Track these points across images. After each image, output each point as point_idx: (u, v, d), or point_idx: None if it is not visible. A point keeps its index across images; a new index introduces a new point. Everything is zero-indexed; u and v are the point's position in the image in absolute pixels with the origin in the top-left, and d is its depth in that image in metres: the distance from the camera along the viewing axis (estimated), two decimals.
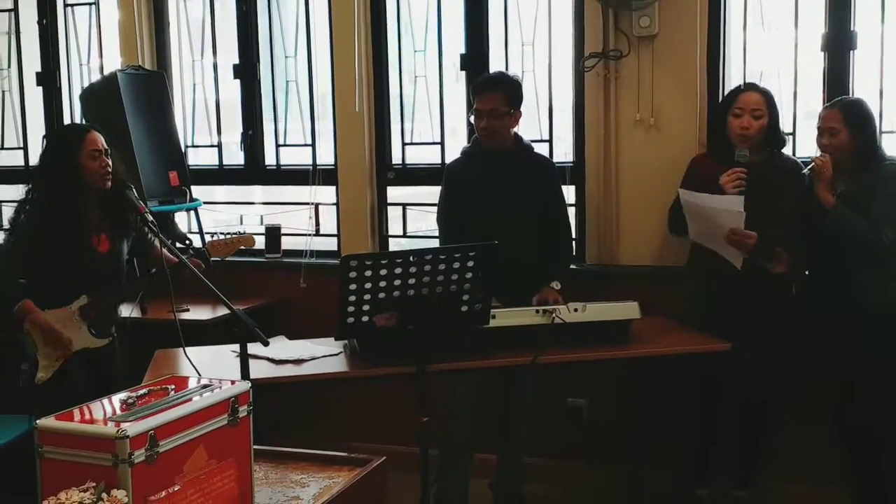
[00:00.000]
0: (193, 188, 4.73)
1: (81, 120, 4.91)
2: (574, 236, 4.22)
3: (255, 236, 3.95)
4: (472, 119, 3.83)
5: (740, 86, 3.85)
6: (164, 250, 3.45)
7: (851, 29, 3.97)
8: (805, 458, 3.97)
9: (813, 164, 3.56)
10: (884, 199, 3.48)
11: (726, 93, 3.91)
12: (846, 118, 3.52)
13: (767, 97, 3.71)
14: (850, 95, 3.87)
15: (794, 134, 4.11)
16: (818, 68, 4.05)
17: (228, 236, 3.79)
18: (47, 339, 3.52)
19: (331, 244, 4.86)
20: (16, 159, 5.52)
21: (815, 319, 3.70)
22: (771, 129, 3.70)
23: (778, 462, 3.96)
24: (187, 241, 4.29)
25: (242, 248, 3.83)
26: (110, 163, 3.55)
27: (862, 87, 3.95)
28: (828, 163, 3.51)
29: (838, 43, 3.98)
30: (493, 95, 3.75)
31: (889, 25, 3.95)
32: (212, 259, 3.69)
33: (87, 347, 3.60)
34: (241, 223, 5.11)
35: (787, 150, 3.97)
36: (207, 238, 4.06)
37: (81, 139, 3.52)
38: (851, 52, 3.98)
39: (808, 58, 4.07)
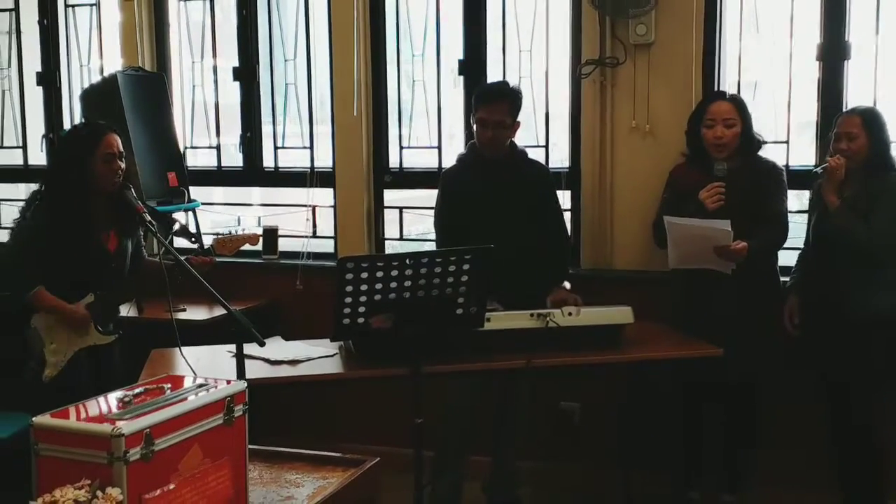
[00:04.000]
0: (192, 189, 4.75)
1: (81, 120, 4.92)
2: (570, 241, 4.24)
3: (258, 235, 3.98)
4: (474, 126, 3.84)
5: (710, 96, 3.89)
6: (162, 251, 3.47)
7: (846, 39, 4.00)
8: (796, 463, 3.99)
9: (826, 164, 3.58)
10: (886, 209, 3.51)
11: (696, 104, 3.95)
12: (866, 124, 3.55)
13: (738, 104, 3.76)
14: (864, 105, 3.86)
15: (787, 143, 4.14)
16: (813, 78, 4.07)
17: (233, 233, 3.80)
18: (62, 323, 3.51)
19: (327, 246, 4.87)
20: (15, 158, 5.54)
21: (806, 322, 3.74)
22: (745, 135, 3.74)
23: (769, 467, 3.99)
24: (193, 239, 4.31)
25: (247, 246, 3.84)
26: (123, 165, 3.55)
27: (856, 97, 3.98)
28: (842, 165, 3.53)
29: (833, 53, 4.01)
30: (501, 106, 3.77)
31: (884, 36, 3.98)
32: (217, 257, 3.70)
33: (94, 344, 3.60)
34: (239, 224, 5.13)
35: (780, 160, 4.01)
36: (209, 238, 4.07)
37: (98, 141, 3.50)
38: (846, 62, 4.01)
39: (803, 67, 4.10)
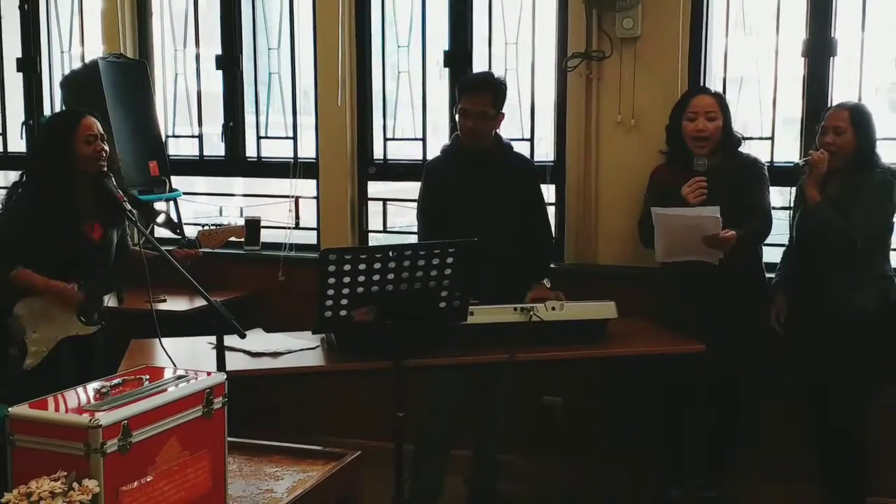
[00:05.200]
0: (173, 178, 4.71)
1: (61, 107, 4.88)
2: (553, 235, 4.24)
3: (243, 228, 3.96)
4: (456, 117, 3.83)
5: (691, 90, 3.89)
6: (143, 240, 3.44)
7: (832, 35, 4.01)
8: (777, 457, 4.01)
9: (809, 156, 3.59)
10: (866, 205, 3.51)
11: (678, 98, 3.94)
12: (853, 119, 3.55)
13: (720, 99, 3.78)
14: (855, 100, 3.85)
15: (772, 139, 4.15)
16: (798, 74, 4.08)
17: (219, 227, 3.78)
18: (45, 311, 3.47)
19: (310, 238, 4.85)
20: None
21: (791, 319, 3.75)
22: (725, 131, 3.75)
23: (751, 462, 4.00)
24: (178, 231, 4.27)
25: (232, 239, 3.83)
26: (106, 148, 3.52)
27: (841, 93, 3.99)
28: (825, 159, 3.54)
29: (819, 49, 4.02)
30: (483, 97, 3.75)
31: (869, 32, 3.99)
32: (202, 249, 3.68)
33: (76, 335, 3.57)
34: (221, 214, 5.10)
35: (764, 156, 4.02)
36: (196, 228, 4.04)
37: (76, 124, 3.48)
38: (831, 58, 4.01)
39: (789, 63, 4.10)
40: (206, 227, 3.79)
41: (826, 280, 3.59)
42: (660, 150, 3.96)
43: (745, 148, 3.88)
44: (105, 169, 3.50)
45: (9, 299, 3.51)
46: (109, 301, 3.99)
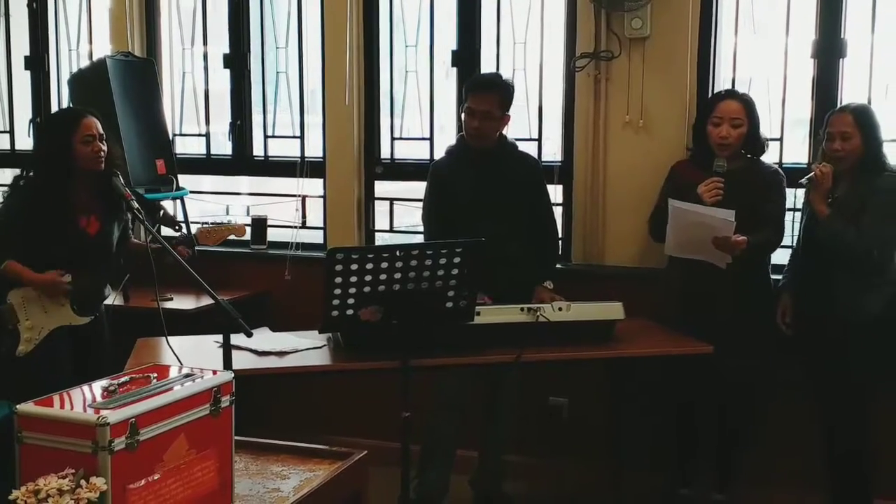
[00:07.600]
0: (180, 177, 4.71)
1: (69, 105, 4.89)
2: (560, 235, 4.23)
3: (245, 226, 3.96)
4: (462, 116, 3.82)
5: (720, 93, 3.87)
6: (149, 238, 3.47)
7: (841, 37, 3.99)
8: (788, 463, 3.99)
9: (812, 173, 3.56)
10: (875, 212, 3.48)
11: (707, 99, 3.92)
12: (858, 122, 3.51)
13: (747, 105, 3.73)
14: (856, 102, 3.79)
15: (781, 140, 4.13)
16: (807, 75, 4.06)
17: (217, 224, 3.78)
18: (38, 300, 3.52)
19: (317, 237, 4.85)
20: (2, 143, 5.49)
21: (797, 323, 3.73)
22: (750, 137, 3.72)
23: (759, 466, 3.99)
24: (177, 228, 4.28)
25: (232, 237, 3.83)
26: (104, 147, 3.57)
27: (851, 95, 3.97)
28: (828, 174, 3.50)
29: (828, 50, 4.00)
30: (489, 97, 3.75)
31: (879, 34, 3.98)
32: (199, 247, 3.68)
33: (70, 324, 3.61)
34: (228, 213, 5.10)
35: (773, 157, 4.01)
36: (194, 227, 4.06)
37: (76, 124, 3.54)
38: (841, 59, 4.00)
39: (798, 64, 4.08)
40: (205, 225, 3.80)
41: (835, 285, 3.56)
42: (686, 147, 3.95)
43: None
44: (103, 167, 3.55)
45: (2, 288, 3.56)
46: (116, 299, 4.00)
